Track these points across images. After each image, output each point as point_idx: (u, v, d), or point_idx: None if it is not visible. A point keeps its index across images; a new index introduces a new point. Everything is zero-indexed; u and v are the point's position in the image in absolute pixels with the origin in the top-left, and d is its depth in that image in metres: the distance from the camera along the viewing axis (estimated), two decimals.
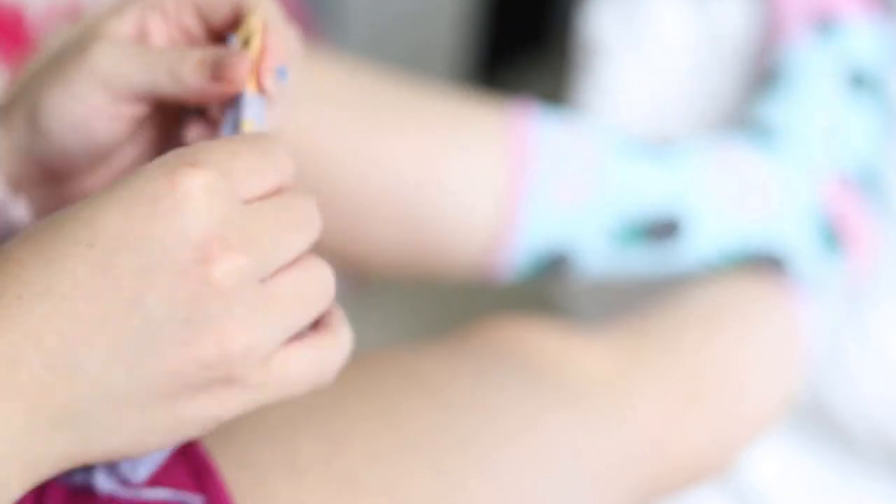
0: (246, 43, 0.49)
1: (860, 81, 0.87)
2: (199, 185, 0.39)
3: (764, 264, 0.84)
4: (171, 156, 0.41)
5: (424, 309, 1.24)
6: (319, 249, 0.45)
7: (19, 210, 0.49)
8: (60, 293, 0.38)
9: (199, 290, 0.39)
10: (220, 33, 0.51)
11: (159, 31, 0.50)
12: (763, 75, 0.92)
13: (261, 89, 0.49)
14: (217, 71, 0.47)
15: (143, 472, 0.47)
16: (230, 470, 0.53)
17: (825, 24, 0.89)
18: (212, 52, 0.47)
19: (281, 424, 0.57)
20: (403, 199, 0.78)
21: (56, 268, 0.39)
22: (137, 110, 0.48)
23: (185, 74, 0.47)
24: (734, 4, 0.95)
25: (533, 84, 1.50)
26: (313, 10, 1.33)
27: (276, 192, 0.44)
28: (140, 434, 0.40)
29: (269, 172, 0.43)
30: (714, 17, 0.96)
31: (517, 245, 0.80)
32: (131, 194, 0.39)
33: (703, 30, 0.97)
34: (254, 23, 0.49)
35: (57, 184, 0.50)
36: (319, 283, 0.43)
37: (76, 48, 0.48)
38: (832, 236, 0.84)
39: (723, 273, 0.84)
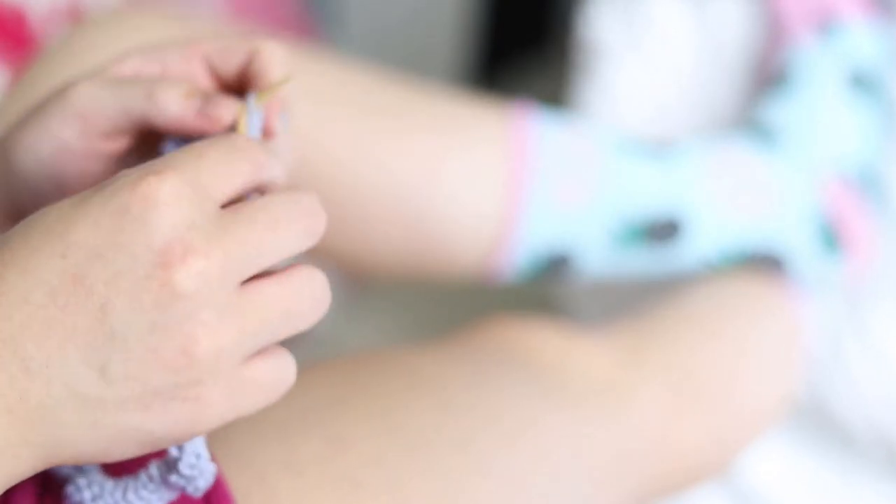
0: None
1: (860, 82, 0.88)
2: (164, 192, 0.40)
3: (764, 265, 0.84)
4: (138, 167, 0.41)
5: (424, 309, 1.24)
6: (319, 250, 0.45)
7: None
8: (36, 302, 0.40)
9: (163, 295, 0.40)
10: (230, 85, 0.51)
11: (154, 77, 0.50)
12: (766, 77, 0.92)
13: (268, 131, 0.49)
14: (206, 108, 0.47)
15: None
16: (231, 470, 0.53)
17: (825, 26, 0.89)
18: (198, 88, 0.48)
19: (281, 424, 0.57)
20: (404, 200, 0.78)
21: (32, 278, 0.40)
22: (111, 147, 0.49)
23: (166, 101, 0.47)
24: (734, 5, 0.96)
25: (533, 85, 1.50)
26: (313, 12, 1.33)
27: (259, 190, 0.44)
28: (112, 440, 0.41)
29: (241, 170, 0.43)
30: (714, 18, 0.96)
31: (517, 246, 0.80)
32: (100, 205, 0.40)
33: (702, 31, 0.97)
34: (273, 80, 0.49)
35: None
36: (308, 295, 0.43)
37: (61, 87, 0.49)
38: (832, 237, 0.84)
39: (723, 273, 0.84)
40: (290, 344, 0.44)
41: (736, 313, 0.83)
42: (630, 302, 0.90)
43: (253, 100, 0.49)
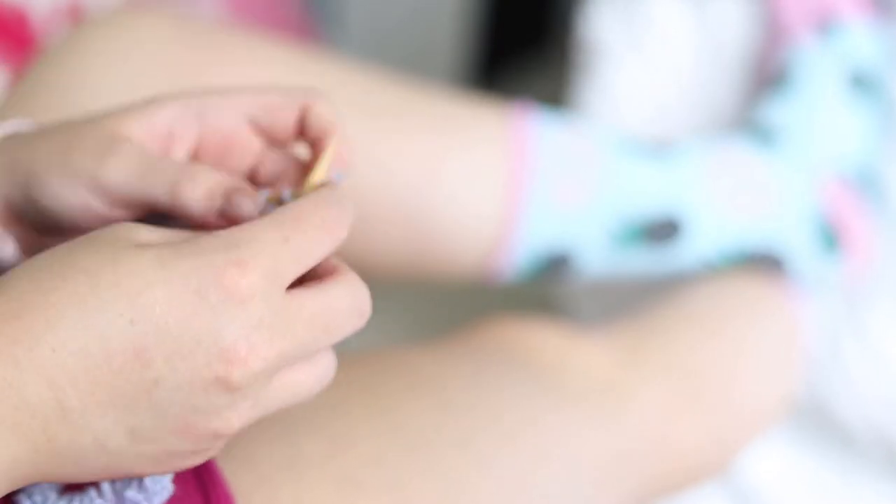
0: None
1: (860, 82, 0.88)
2: (243, 287, 0.41)
3: (763, 265, 0.84)
4: (223, 246, 0.41)
5: (424, 309, 1.24)
6: None
7: (7, 249, 0.50)
8: (92, 360, 0.40)
9: (217, 386, 0.41)
10: (281, 141, 0.50)
11: (188, 135, 0.49)
12: (766, 77, 0.92)
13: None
14: (229, 209, 0.46)
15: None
16: (231, 469, 0.53)
17: (825, 26, 0.89)
18: (221, 182, 0.47)
19: (282, 425, 0.57)
20: (403, 201, 0.78)
21: (95, 334, 0.40)
22: (132, 213, 0.48)
23: (188, 197, 0.46)
24: (734, 5, 0.96)
25: (533, 85, 1.50)
26: (313, 12, 1.33)
27: (321, 273, 0.44)
28: (110, 476, 0.43)
29: (321, 252, 0.44)
30: (714, 18, 0.96)
31: (517, 246, 0.80)
32: (180, 280, 0.41)
33: (702, 31, 0.97)
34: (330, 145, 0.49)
35: (39, 232, 0.50)
36: (321, 381, 0.45)
37: (96, 142, 0.47)
38: (831, 237, 0.84)
39: (722, 273, 0.84)
40: None
41: (735, 313, 0.83)
42: (630, 302, 0.90)
43: (325, 161, 0.48)
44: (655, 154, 0.83)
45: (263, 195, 0.48)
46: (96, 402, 0.40)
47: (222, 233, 0.42)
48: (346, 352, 0.70)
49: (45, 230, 0.49)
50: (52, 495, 0.47)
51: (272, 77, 0.75)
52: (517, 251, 0.80)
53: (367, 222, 0.77)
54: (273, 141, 0.51)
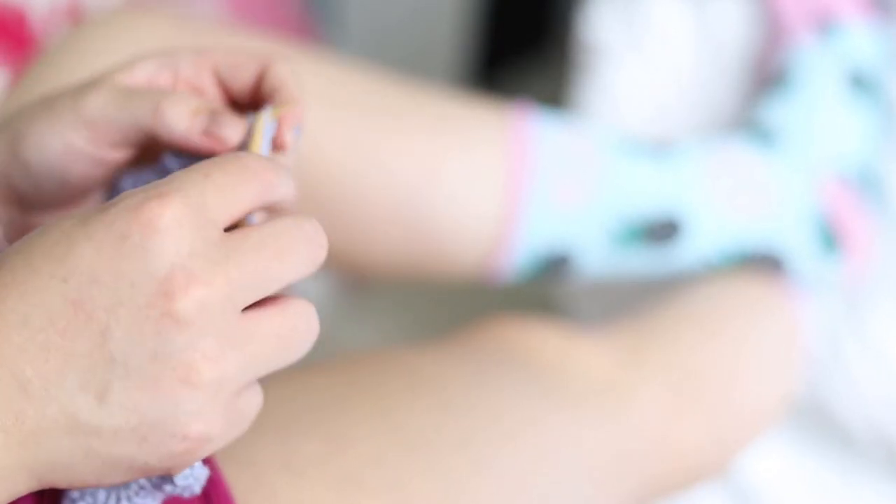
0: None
1: (859, 83, 0.88)
2: (166, 218, 0.40)
3: (763, 265, 0.84)
4: (141, 188, 0.41)
5: (424, 309, 1.24)
6: None
7: None
8: (36, 326, 0.39)
9: (164, 324, 0.39)
10: (238, 99, 0.51)
11: (165, 86, 0.50)
12: (766, 77, 0.92)
13: (280, 144, 0.49)
14: (213, 127, 0.47)
15: None
16: (231, 470, 0.53)
17: (824, 26, 0.89)
18: (207, 104, 0.47)
19: (282, 424, 0.57)
20: (403, 201, 0.78)
21: (32, 301, 0.40)
22: (117, 155, 0.48)
23: (172, 117, 0.47)
24: (734, 5, 0.96)
25: (532, 86, 1.50)
26: (313, 12, 1.33)
27: (264, 210, 0.44)
28: (106, 468, 0.41)
29: (250, 191, 0.42)
30: (714, 18, 0.96)
31: (517, 246, 0.80)
32: (102, 230, 0.40)
33: (702, 31, 0.97)
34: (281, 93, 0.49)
35: (27, 210, 0.50)
36: (304, 329, 0.43)
37: (75, 90, 0.48)
38: (831, 237, 0.84)
39: (722, 273, 0.84)
40: None
41: (735, 313, 0.83)
42: (630, 302, 0.90)
43: (267, 114, 0.48)
44: (655, 154, 0.83)
45: (248, 121, 0.48)
46: (51, 368, 0.39)
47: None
48: (346, 352, 0.70)
49: (37, 204, 0.49)
50: (101, 494, 0.46)
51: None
52: (517, 251, 0.80)
53: (366, 223, 0.77)
54: (231, 98, 0.51)
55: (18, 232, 0.51)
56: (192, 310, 0.39)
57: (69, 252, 0.40)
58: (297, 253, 0.42)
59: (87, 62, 0.70)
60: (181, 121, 0.47)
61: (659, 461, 0.74)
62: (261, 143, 0.47)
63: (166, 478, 0.45)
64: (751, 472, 0.91)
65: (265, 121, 0.48)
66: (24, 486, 0.41)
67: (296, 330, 0.42)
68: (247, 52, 0.51)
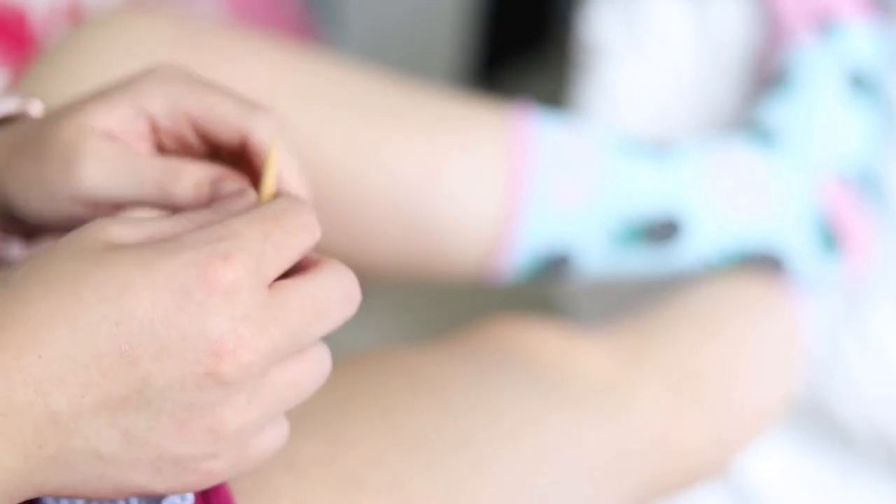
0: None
1: (859, 83, 0.88)
2: (228, 281, 0.41)
3: (763, 265, 0.84)
4: (205, 241, 0.42)
5: (424, 309, 1.24)
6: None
7: (14, 250, 0.51)
8: (81, 362, 0.40)
9: (206, 381, 0.41)
10: (216, 146, 0.50)
11: (144, 135, 0.50)
12: (766, 77, 0.92)
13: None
14: (218, 199, 0.47)
15: None
16: None
17: (824, 26, 0.89)
18: (206, 175, 0.48)
19: None
20: (403, 201, 0.78)
21: (82, 337, 0.40)
22: (119, 212, 0.50)
23: (178, 193, 0.48)
24: (734, 5, 0.96)
25: (532, 86, 1.50)
26: (313, 12, 1.33)
27: (305, 266, 0.44)
28: (113, 492, 0.42)
29: (302, 248, 0.44)
30: (714, 18, 0.96)
31: (517, 246, 0.80)
32: (162, 280, 0.41)
33: (702, 31, 0.97)
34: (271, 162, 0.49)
35: (36, 235, 0.51)
36: (319, 375, 0.45)
37: (59, 151, 0.48)
38: (830, 237, 0.84)
39: (722, 273, 0.84)
40: None
41: (735, 313, 0.83)
42: (630, 302, 0.91)
43: (271, 161, 0.49)
44: (655, 154, 0.83)
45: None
46: (86, 404, 0.40)
47: (203, 231, 0.42)
48: (346, 352, 0.70)
49: (25, 232, 0.50)
50: None
51: (271, 77, 0.75)
52: (517, 251, 0.80)
53: (366, 223, 0.77)
54: (214, 145, 0.51)
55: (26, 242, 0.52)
56: (236, 372, 0.41)
57: (124, 294, 0.40)
58: (334, 312, 0.44)
59: (87, 62, 0.70)
60: (186, 195, 0.48)
61: (659, 461, 0.74)
62: (273, 186, 0.48)
63: (157, 500, 0.46)
64: (751, 472, 0.91)
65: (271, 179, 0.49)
66: (23, 498, 0.42)
67: (312, 376, 0.44)
68: (221, 103, 0.50)
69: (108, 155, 0.48)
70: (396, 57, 1.37)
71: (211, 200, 0.48)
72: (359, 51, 1.35)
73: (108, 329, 0.40)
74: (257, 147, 0.49)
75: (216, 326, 0.40)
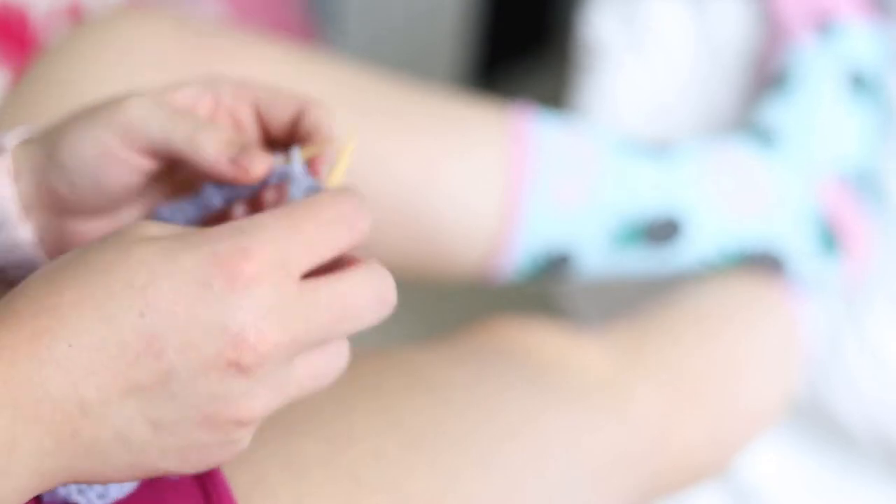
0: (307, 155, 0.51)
1: (859, 83, 0.88)
2: (248, 274, 0.41)
3: (762, 265, 0.84)
4: (228, 234, 0.42)
5: (424, 309, 1.24)
6: None
7: (26, 232, 0.51)
8: (109, 353, 0.41)
9: (228, 372, 0.41)
10: (273, 136, 0.52)
11: (205, 111, 0.51)
12: (765, 78, 0.93)
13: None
14: (241, 157, 0.48)
15: (114, 493, 0.49)
16: (232, 469, 0.53)
17: (824, 26, 0.89)
18: (239, 138, 0.49)
19: (282, 423, 0.57)
20: (403, 202, 0.78)
21: (108, 328, 0.41)
22: (149, 164, 0.50)
23: (204, 144, 0.48)
24: (733, 6, 0.96)
25: (533, 86, 1.50)
26: (313, 12, 1.33)
27: (345, 264, 0.44)
28: (141, 474, 0.43)
29: (339, 242, 0.44)
30: (713, 19, 0.96)
31: (518, 246, 0.80)
32: (185, 272, 0.41)
33: (702, 32, 0.97)
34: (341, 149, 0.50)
35: (62, 216, 0.51)
36: (338, 366, 0.45)
37: (119, 98, 0.50)
38: (830, 237, 0.85)
39: (722, 273, 0.84)
40: None
41: (735, 313, 0.83)
42: (630, 302, 0.91)
43: (297, 153, 0.50)
44: (655, 154, 0.83)
45: (276, 161, 0.50)
46: (115, 393, 0.41)
47: (228, 224, 0.43)
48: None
49: (73, 208, 0.51)
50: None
51: (271, 77, 0.75)
52: (517, 251, 0.80)
53: None
54: (268, 134, 0.52)
55: (53, 237, 0.52)
56: (257, 364, 0.41)
57: (150, 285, 0.41)
58: (364, 313, 0.44)
59: (88, 62, 0.70)
60: (212, 148, 0.48)
61: (658, 460, 0.74)
62: (339, 179, 0.49)
63: None
64: (751, 472, 0.91)
65: (296, 159, 0.50)
66: (55, 482, 0.42)
67: (332, 368, 0.45)
68: (284, 89, 0.52)
69: (152, 99, 0.49)
70: (396, 57, 1.37)
71: (232, 162, 0.48)
72: (359, 51, 1.36)
73: (134, 320, 0.41)
74: (315, 127, 0.50)
75: (237, 319, 0.41)
